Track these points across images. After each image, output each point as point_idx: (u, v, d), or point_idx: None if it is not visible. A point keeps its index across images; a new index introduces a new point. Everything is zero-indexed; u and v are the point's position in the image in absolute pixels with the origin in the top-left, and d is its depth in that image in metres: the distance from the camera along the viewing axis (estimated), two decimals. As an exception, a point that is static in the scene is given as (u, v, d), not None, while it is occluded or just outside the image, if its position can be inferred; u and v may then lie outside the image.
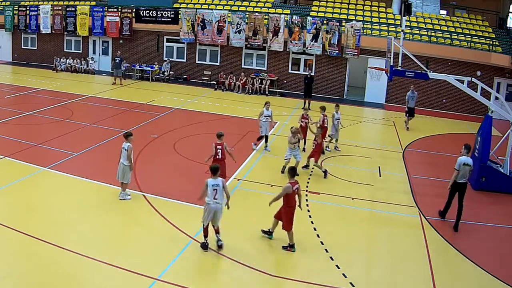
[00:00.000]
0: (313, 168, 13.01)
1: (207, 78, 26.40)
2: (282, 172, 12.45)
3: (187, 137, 15.67)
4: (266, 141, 14.55)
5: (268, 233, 9.13)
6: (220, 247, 8.60)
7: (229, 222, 9.95)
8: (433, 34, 23.58)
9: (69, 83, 24.92)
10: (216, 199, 8.41)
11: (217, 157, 10.76)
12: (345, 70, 24.69)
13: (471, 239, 9.83)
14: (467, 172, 10.10)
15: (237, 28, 25.22)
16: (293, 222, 8.69)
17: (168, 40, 27.62)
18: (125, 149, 10.20)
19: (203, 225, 8.50)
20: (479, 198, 12.09)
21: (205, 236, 8.56)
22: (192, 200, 10.53)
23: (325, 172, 12.68)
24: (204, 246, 8.53)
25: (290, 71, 25.57)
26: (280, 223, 8.86)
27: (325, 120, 14.43)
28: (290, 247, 8.72)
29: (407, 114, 18.83)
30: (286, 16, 24.55)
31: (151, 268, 7.76)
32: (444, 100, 23.12)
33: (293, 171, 8.94)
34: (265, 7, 27.33)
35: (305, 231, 9.50)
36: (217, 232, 8.62)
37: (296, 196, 8.69)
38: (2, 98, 20.18)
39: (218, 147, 10.78)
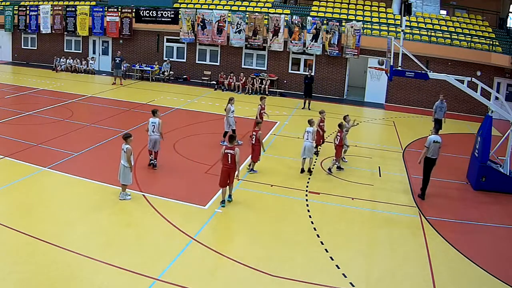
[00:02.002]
0: (313, 167, 13.00)
1: (207, 78, 26.40)
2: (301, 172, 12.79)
3: (187, 137, 15.68)
4: (225, 136, 14.88)
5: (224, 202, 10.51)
6: (154, 166, 12.35)
7: (229, 222, 9.97)
8: (433, 34, 23.58)
9: (69, 83, 24.93)
10: (153, 132, 12.17)
11: (252, 141, 12.35)
12: (345, 70, 24.70)
13: (471, 239, 9.83)
14: (437, 149, 11.45)
15: (237, 28, 25.23)
16: (226, 183, 10.31)
17: (168, 40, 27.63)
18: (124, 151, 10.21)
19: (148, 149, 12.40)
20: (479, 198, 12.08)
21: (150, 154, 12.51)
22: (192, 200, 10.56)
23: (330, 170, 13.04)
24: (152, 165, 12.42)
25: (290, 71, 25.58)
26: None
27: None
28: (222, 202, 10.39)
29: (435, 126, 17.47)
30: (286, 16, 24.57)
31: (151, 268, 7.76)
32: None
33: (230, 138, 10.57)
34: (265, 7, 27.34)
35: (305, 231, 9.50)
36: (155, 157, 12.41)
37: (229, 160, 10.16)
38: (2, 98, 20.19)
39: (253, 133, 12.38)
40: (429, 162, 11.55)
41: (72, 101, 20.28)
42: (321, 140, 14.37)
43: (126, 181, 10.29)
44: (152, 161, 12.46)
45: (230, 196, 10.64)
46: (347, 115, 14.22)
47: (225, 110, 14.82)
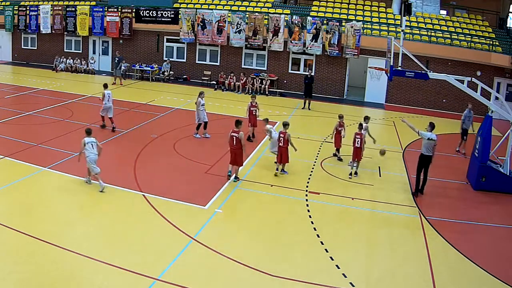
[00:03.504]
0: (312, 168, 13.00)
1: (207, 78, 26.40)
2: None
3: (187, 137, 15.68)
4: (205, 127, 15.45)
5: (231, 177, 11.69)
6: (114, 129, 15.26)
7: (229, 222, 9.97)
8: (433, 34, 23.58)
9: (69, 83, 24.93)
10: (109, 101, 14.77)
11: (280, 144, 12.35)
12: (345, 70, 24.70)
13: (471, 239, 9.83)
14: (431, 146, 11.57)
15: (237, 28, 25.23)
16: (234, 161, 11.59)
17: (168, 40, 27.63)
18: (97, 144, 10.74)
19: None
20: (479, 198, 12.08)
21: (103, 120, 15.38)
22: (192, 200, 10.56)
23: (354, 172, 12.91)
24: (113, 128, 15.21)
25: (290, 71, 25.58)
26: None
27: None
28: (236, 178, 11.69)
29: (463, 137, 16.00)
30: (286, 16, 24.57)
31: (151, 268, 7.76)
32: (444, 100, 23.12)
33: (237, 122, 11.68)
34: (265, 7, 27.34)
35: (305, 231, 9.50)
36: (112, 122, 15.24)
37: (234, 142, 11.45)
38: (2, 98, 20.18)
39: (281, 135, 12.34)
40: (425, 159, 11.63)
41: (72, 101, 20.28)
42: (340, 144, 14.17)
43: (97, 169, 10.63)
44: (109, 126, 15.15)
45: (236, 177, 11.73)
46: (368, 116, 14.26)
47: (195, 103, 15.26)
